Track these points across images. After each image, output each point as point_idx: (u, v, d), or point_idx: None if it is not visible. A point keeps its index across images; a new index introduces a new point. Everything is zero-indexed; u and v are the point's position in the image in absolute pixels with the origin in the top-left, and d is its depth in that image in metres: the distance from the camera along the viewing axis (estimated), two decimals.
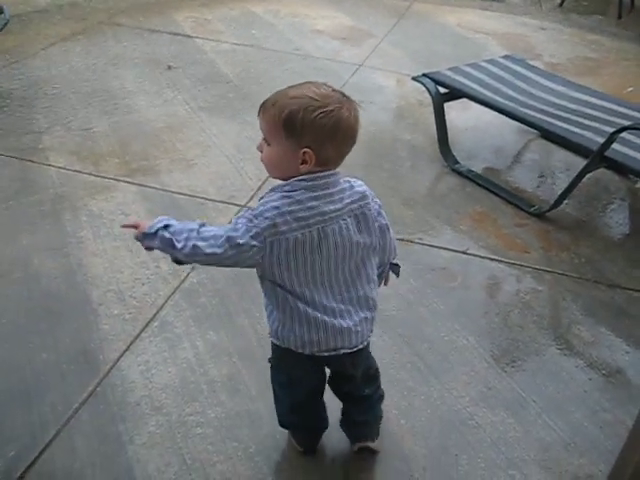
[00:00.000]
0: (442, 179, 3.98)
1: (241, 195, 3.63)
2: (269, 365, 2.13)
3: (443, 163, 4.06)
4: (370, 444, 2.26)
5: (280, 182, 1.80)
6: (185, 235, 1.78)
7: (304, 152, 1.71)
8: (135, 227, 1.90)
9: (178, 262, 1.87)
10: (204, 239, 1.76)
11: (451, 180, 3.95)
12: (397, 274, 2.12)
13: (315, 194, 1.74)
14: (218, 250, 1.75)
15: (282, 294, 1.83)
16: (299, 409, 2.18)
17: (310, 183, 1.74)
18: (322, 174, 1.75)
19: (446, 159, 4.06)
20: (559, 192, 3.65)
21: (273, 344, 1.99)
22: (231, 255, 1.75)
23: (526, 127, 3.97)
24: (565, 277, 3.21)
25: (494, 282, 3.18)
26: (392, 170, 3.98)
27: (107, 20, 6.01)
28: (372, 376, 2.18)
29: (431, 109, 4.25)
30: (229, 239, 1.74)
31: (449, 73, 4.13)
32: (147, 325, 2.77)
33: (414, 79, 4.14)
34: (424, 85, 4.05)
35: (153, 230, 1.83)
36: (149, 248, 1.89)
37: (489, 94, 3.92)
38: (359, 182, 1.87)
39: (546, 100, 3.92)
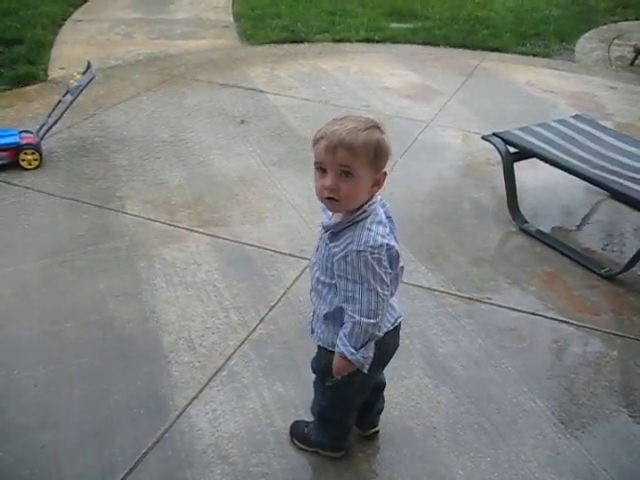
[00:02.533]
0: (510, 238, 3.97)
1: (310, 249, 3.65)
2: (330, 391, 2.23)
3: (511, 222, 4.05)
4: (377, 428, 2.56)
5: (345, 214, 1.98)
6: (358, 334, 1.96)
7: (384, 173, 1.93)
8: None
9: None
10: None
11: (519, 239, 3.94)
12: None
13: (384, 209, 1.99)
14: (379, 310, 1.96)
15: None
16: (353, 414, 2.37)
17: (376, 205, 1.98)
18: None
19: (515, 218, 4.06)
20: (630, 254, 3.60)
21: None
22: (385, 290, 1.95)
23: (595, 187, 3.94)
24: (637, 342, 3.15)
25: (563, 344, 3.14)
26: (460, 228, 3.99)
27: (184, 74, 6.26)
28: None
29: (499, 168, 4.27)
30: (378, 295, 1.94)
31: (519, 133, 4.15)
32: (216, 374, 2.83)
33: (484, 138, 4.17)
34: (494, 144, 4.08)
35: (355, 357, 1.98)
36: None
37: (559, 154, 3.92)
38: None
39: (617, 161, 3.89)
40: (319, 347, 2.18)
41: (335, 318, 2.06)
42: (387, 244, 1.91)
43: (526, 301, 3.40)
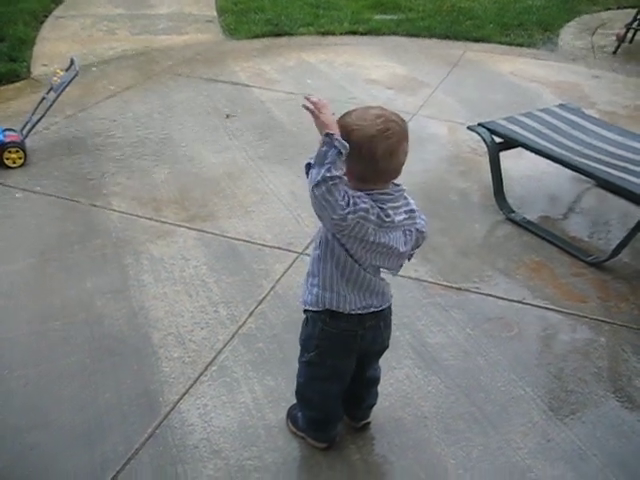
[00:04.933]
0: (497, 228, 3.99)
1: (298, 242, 3.69)
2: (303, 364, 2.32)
3: (498, 212, 4.07)
4: (369, 419, 2.59)
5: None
6: (336, 174, 1.92)
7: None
8: (315, 115, 1.98)
9: (307, 169, 1.98)
10: (332, 189, 1.93)
11: (506, 229, 3.95)
12: (409, 259, 2.28)
13: (390, 204, 2.04)
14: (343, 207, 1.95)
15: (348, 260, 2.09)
16: (332, 402, 2.39)
17: (386, 196, 2.03)
18: (393, 188, 2.05)
19: (501, 208, 4.07)
20: (616, 241, 3.62)
21: (318, 326, 2.21)
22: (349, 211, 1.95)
23: (581, 176, 3.96)
24: (624, 328, 3.17)
25: (551, 332, 3.16)
26: (447, 218, 4.00)
27: (168, 69, 6.23)
28: (383, 351, 2.42)
29: (485, 158, 4.28)
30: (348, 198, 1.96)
31: (504, 123, 4.17)
32: (206, 369, 2.83)
33: (470, 128, 4.18)
34: (479, 134, 4.10)
35: (336, 143, 1.91)
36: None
37: (545, 143, 3.93)
38: (411, 199, 2.15)
39: (602, 149, 3.91)
40: (304, 312, 2.28)
41: (312, 271, 2.19)
42: (367, 208, 1.97)
43: (514, 290, 3.41)
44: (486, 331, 3.12)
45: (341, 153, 1.90)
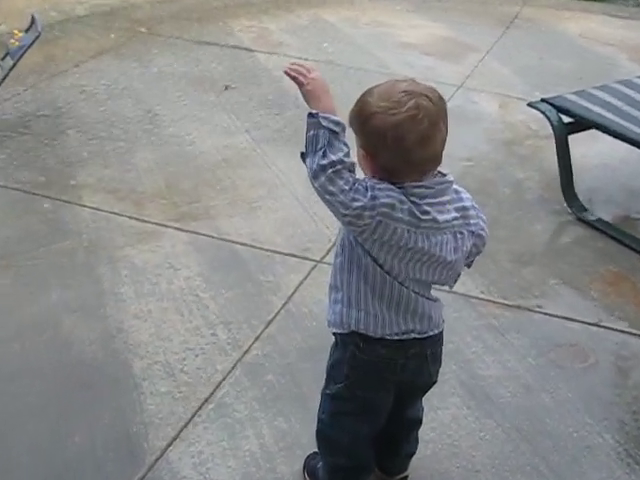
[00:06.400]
0: (565, 230, 3.98)
1: (316, 247, 3.69)
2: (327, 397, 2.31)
3: (567, 210, 4.05)
4: (406, 472, 2.57)
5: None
6: (334, 158, 1.91)
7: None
8: (299, 81, 2.01)
9: (303, 159, 2.02)
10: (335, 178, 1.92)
11: (577, 231, 3.94)
12: (469, 266, 2.29)
13: (430, 200, 1.99)
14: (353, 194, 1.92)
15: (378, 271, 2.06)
16: (362, 446, 2.36)
17: (423, 190, 1.98)
18: (434, 180, 2.01)
19: (570, 205, 4.05)
20: None
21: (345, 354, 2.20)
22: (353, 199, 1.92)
23: None
24: None
25: (635, 363, 3.14)
26: (500, 217, 3.98)
27: (151, 30, 6.25)
28: (429, 387, 2.41)
29: (548, 141, 4.27)
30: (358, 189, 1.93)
31: (574, 98, 4.15)
32: (201, 407, 2.82)
33: (530, 105, 4.17)
34: (543, 113, 4.08)
35: (324, 123, 1.92)
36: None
37: (625, 124, 3.91)
38: (465, 193, 2.12)
39: None
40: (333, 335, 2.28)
41: (334, 284, 2.17)
42: (392, 204, 1.94)
43: (587, 309, 3.40)
44: (553, 361, 3.10)
45: (335, 132, 1.91)
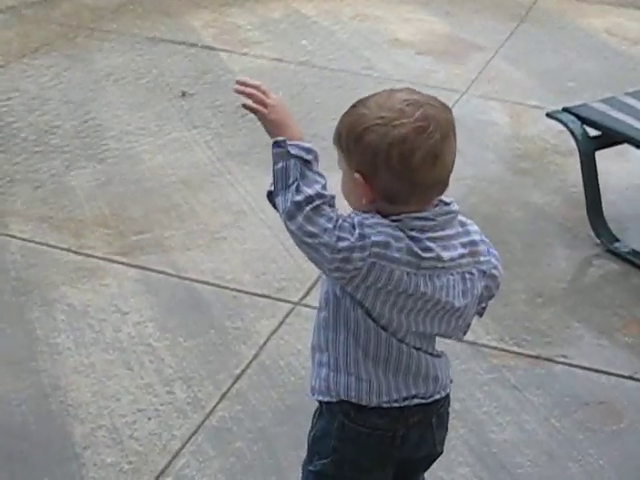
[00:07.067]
0: (593, 264, 4.00)
1: (293, 286, 3.69)
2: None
3: (594, 240, 4.07)
4: None
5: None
6: (310, 192, 1.90)
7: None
8: (263, 105, 1.99)
9: (270, 200, 2.04)
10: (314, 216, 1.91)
11: (607, 266, 3.96)
12: (480, 315, 2.26)
13: (432, 234, 1.97)
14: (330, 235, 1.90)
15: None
16: None
17: (423, 222, 1.97)
18: (436, 210, 1.99)
19: (599, 234, 4.07)
20: None
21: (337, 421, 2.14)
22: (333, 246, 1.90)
23: None
24: None
25: None
26: (512, 250, 3.99)
27: (92, 25, 6.25)
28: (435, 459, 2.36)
29: (571, 159, 4.31)
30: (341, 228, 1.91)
31: (602, 107, 4.18)
32: None
33: (549, 116, 4.19)
34: (565, 125, 4.10)
35: (293, 152, 1.91)
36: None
37: None
38: (473, 225, 2.10)
39: None
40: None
41: (318, 345, 2.14)
42: (387, 242, 1.92)
43: (619, 359, 3.41)
44: (580, 422, 3.10)
45: (308, 161, 1.91)
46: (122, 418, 3.03)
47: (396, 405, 2.11)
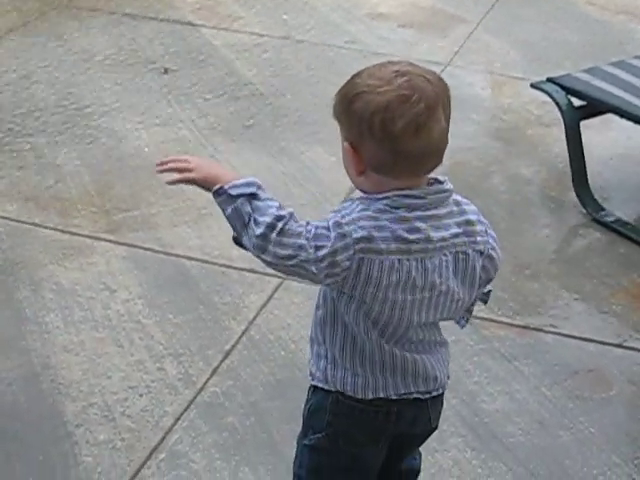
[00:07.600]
0: (579, 234, 4.02)
1: None
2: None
3: (580, 210, 4.09)
4: None
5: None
6: (268, 220, 1.89)
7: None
8: (187, 170, 1.99)
9: (239, 244, 2.01)
10: (282, 238, 1.91)
11: (593, 236, 3.97)
12: (485, 302, 2.26)
13: (421, 213, 1.95)
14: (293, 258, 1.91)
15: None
16: None
17: (413, 200, 1.95)
18: (427, 189, 1.97)
19: (585, 204, 4.08)
20: None
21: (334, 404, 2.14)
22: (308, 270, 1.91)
23: None
24: None
25: None
26: (499, 220, 3.97)
27: (70, 3, 6.20)
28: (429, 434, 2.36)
29: (555, 129, 4.31)
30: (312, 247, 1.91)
31: (586, 77, 4.18)
32: (149, 457, 2.80)
33: (533, 86, 4.20)
34: (549, 95, 4.11)
35: (234, 193, 1.92)
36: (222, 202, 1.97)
37: None
38: (469, 204, 2.06)
39: None
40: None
41: (316, 338, 2.15)
42: (370, 236, 1.93)
43: (608, 327, 3.43)
44: (570, 391, 3.12)
45: (253, 194, 1.90)
46: (113, 395, 3.03)
47: (395, 398, 2.11)
